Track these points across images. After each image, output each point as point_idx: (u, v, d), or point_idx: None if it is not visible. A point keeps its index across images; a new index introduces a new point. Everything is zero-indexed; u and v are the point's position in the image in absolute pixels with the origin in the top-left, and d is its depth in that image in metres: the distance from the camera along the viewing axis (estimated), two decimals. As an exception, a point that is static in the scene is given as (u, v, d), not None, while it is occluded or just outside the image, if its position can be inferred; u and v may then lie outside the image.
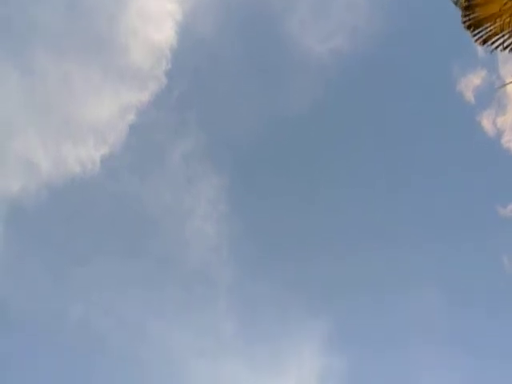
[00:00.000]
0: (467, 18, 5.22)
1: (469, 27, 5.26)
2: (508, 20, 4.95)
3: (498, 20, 5.02)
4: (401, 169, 16.61)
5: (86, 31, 14.98)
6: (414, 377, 14.36)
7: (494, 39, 5.25)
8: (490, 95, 14.31)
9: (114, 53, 15.06)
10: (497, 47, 5.28)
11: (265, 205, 16.74)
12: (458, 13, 5.27)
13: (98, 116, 14.97)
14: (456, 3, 5.22)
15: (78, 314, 13.86)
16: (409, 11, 15.29)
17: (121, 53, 15.05)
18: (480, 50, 5.55)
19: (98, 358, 13.74)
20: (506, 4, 4.88)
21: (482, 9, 5.11)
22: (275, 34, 15.94)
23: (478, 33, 5.27)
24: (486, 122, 14.24)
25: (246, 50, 16.36)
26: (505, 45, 5.21)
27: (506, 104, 14.13)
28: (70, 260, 14.85)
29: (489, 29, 5.21)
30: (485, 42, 5.31)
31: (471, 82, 14.53)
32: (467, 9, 5.17)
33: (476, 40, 5.33)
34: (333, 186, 16.69)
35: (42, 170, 14.46)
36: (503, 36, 5.17)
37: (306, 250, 15.90)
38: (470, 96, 14.79)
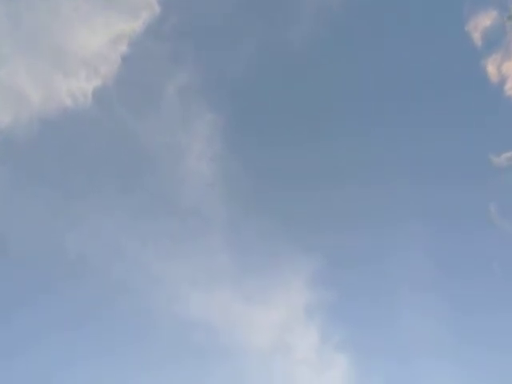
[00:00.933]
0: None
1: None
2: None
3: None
4: (397, 107, 16.44)
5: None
6: (400, 310, 15.34)
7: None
8: (498, 39, 13.81)
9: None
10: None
11: (260, 143, 16.71)
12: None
13: (89, 46, 14.31)
14: None
15: (75, 247, 14.30)
16: None
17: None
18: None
19: (96, 289, 14.43)
20: None
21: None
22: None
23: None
24: (491, 67, 13.88)
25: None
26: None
27: (514, 49, 13.69)
28: (65, 194, 15.00)
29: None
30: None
31: (480, 23, 13.93)
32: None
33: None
34: (330, 125, 16.59)
35: (32, 102, 14.10)
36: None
37: (299, 189, 16.19)
38: (477, 37, 14.26)
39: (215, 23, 15.68)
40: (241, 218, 15.66)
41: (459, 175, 16.03)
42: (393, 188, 15.85)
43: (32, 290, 14.33)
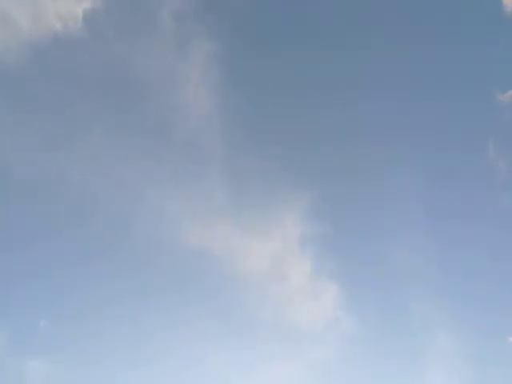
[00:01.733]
0: None
1: None
2: None
3: None
4: (405, 27, 15.77)
5: None
6: (392, 243, 15.90)
7: None
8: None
9: None
10: None
11: (262, 73, 16.16)
12: None
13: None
14: None
15: (75, 180, 14.41)
16: None
17: None
18: None
19: (98, 223, 14.77)
20: None
21: None
22: None
23: None
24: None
25: None
26: None
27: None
28: (61, 125, 14.78)
29: None
30: None
31: None
32: None
33: None
34: (333, 54, 15.97)
35: (21, 28, 13.37)
36: None
37: (297, 127, 15.99)
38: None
39: None
40: (239, 153, 15.64)
41: (462, 108, 15.77)
42: (390, 118, 15.61)
43: (33, 222, 14.68)
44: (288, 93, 16.22)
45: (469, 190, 15.37)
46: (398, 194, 15.48)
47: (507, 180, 14.60)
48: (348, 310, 16.52)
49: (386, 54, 15.75)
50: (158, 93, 15.41)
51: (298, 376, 15.97)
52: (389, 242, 15.54)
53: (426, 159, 15.94)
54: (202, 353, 15.76)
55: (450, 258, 15.48)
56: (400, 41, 15.83)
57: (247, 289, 15.92)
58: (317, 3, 15.91)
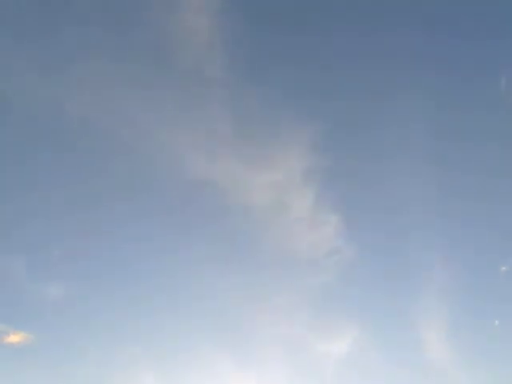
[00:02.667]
0: None
1: None
2: None
3: None
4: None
5: None
6: (392, 177, 16.01)
7: None
8: None
9: None
10: None
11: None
12: None
13: None
14: None
15: (76, 111, 14.19)
16: None
17: None
18: None
19: (100, 153, 14.75)
20: None
21: None
22: None
23: None
24: None
25: None
26: None
27: None
28: (60, 53, 14.26)
29: None
30: None
31: None
32: None
33: None
34: None
35: None
36: None
37: (302, 54, 15.40)
38: None
39: None
40: (242, 82, 15.21)
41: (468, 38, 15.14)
42: (393, 43, 14.97)
43: (33, 153, 14.68)
44: (292, 18, 15.45)
45: (473, 115, 15.19)
46: (401, 122, 15.33)
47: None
48: (348, 239, 17.12)
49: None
50: (159, 19, 14.68)
51: (298, 300, 16.99)
52: (391, 171, 15.65)
53: (430, 86, 15.56)
54: (206, 276, 16.63)
55: (452, 185, 15.68)
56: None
57: (251, 220, 16.36)
58: None
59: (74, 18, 14.46)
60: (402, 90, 15.25)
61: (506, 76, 14.49)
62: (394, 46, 15.30)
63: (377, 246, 16.48)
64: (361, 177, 16.55)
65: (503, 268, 18.00)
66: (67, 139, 14.56)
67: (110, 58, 14.48)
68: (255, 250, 16.50)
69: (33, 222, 14.96)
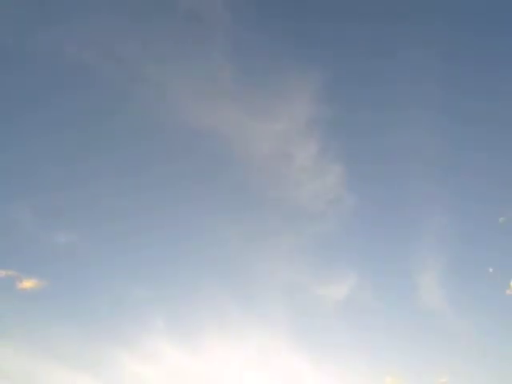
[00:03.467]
0: None
1: None
2: None
3: None
4: None
5: None
6: (395, 127, 15.89)
7: None
8: None
9: None
10: None
11: None
12: None
13: None
14: None
15: (72, 53, 13.89)
16: None
17: None
18: None
19: (98, 98, 14.52)
20: None
21: None
22: None
23: None
24: None
25: None
26: None
27: None
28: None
29: None
30: None
31: None
32: None
33: None
34: None
35: None
36: None
37: (308, 1, 14.88)
38: None
39: None
40: (245, 28, 14.78)
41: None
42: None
43: (35, 98, 14.49)
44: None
45: (482, 71, 14.92)
46: (407, 72, 15.06)
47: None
48: (350, 189, 17.29)
49: None
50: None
51: (300, 247, 17.41)
52: (394, 121, 15.54)
53: (441, 39, 15.17)
54: (210, 224, 16.96)
55: (454, 135, 15.60)
56: None
57: (254, 169, 16.45)
58: None
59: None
60: (407, 41, 14.88)
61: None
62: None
63: (377, 195, 16.66)
64: (364, 127, 16.47)
65: (501, 218, 18.25)
66: (67, 83, 14.33)
67: (109, 2, 14.06)
68: (258, 198, 16.73)
69: (40, 170, 15.05)
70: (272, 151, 16.52)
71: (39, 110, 14.71)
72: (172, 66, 14.93)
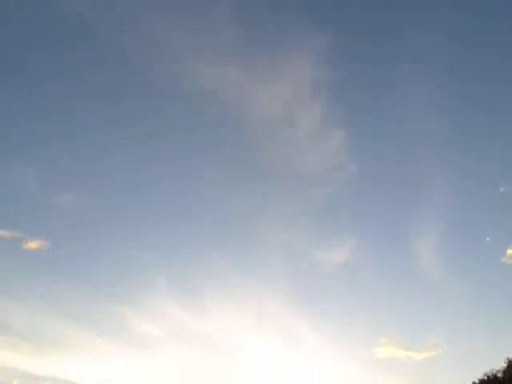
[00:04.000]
0: None
1: None
2: None
3: None
4: None
5: None
6: (402, 98, 15.69)
7: None
8: None
9: None
10: None
11: None
12: None
13: None
14: None
15: (75, 12, 13.63)
16: None
17: None
18: None
19: (97, 56, 14.36)
20: None
21: None
22: None
23: None
24: None
25: None
26: None
27: None
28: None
29: None
30: None
31: None
32: None
33: None
34: None
35: None
36: None
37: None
38: None
39: None
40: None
41: None
42: None
43: (36, 55, 14.32)
44: None
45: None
46: (415, 33, 14.68)
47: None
48: (352, 155, 17.31)
49: None
50: None
51: (300, 211, 17.58)
52: (400, 83, 15.30)
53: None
54: (211, 185, 17.14)
55: (460, 98, 15.34)
56: None
57: (258, 133, 16.40)
58: None
59: None
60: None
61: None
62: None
63: (380, 162, 16.72)
64: (371, 96, 16.24)
65: (501, 189, 18.21)
66: (66, 41, 14.14)
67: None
68: (260, 162, 16.78)
69: (41, 132, 15.10)
70: (275, 116, 16.43)
71: (40, 67, 14.57)
72: (172, 24, 14.65)
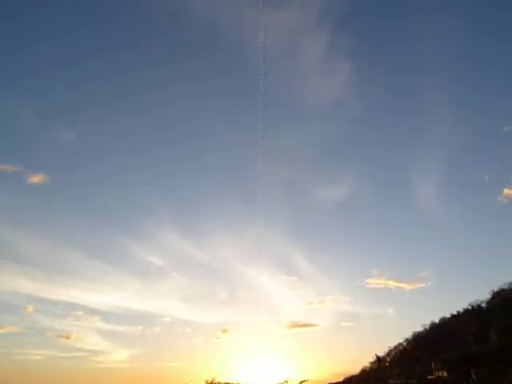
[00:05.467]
0: None
1: None
2: None
3: None
4: None
5: None
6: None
7: None
8: None
9: None
10: None
11: None
12: None
13: None
14: None
15: None
16: None
17: None
18: None
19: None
20: None
21: None
22: None
23: None
24: None
25: None
26: None
27: None
28: None
29: None
30: None
31: None
32: None
33: None
34: None
35: None
36: None
37: None
38: None
39: None
40: None
41: None
42: None
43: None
44: None
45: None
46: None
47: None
48: (358, 90, 19.30)
49: None
50: None
51: (302, 145, 19.63)
52: (413, 26, 17.22)
53: None
54: (211, 111, 19.04)
55: (471, 50, 17.25)
56: None
57: (259, 64, 18.58)
58: None
59: None
60: None
61: None
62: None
63: (385, 99, 18.76)
64: (381, 27, 18.14)
65: (506, 128, 20.55)
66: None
67: None
68: (261, 90, 19.07)
69: (39, 66, 16.83)
70: (279, 46, 18.55)
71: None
72: None
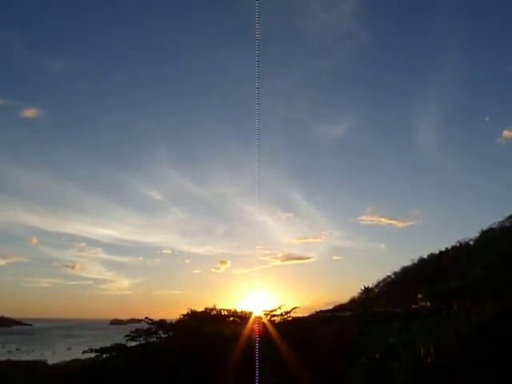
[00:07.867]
0: None
1: None
2: None
3: None
4: None
5: None
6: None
7: None
8: None
9: None
10: None
11: None
12: None
13: None
14: None
15: None
16: None
17: None
18: None
19: None
20: None
21: None
22: None
23: None
24: None
25: None
26: None
27: None
28: None
29: None
30: None
31: None
32: None
33: None
34: None
35: None
36: None
37: None
38: None
39: None
40: None
41: None
42: None
43: None
44: None
45: None
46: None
47: None
48: (364, 22, 18.30)
49: None
50: None
51: (303, 82, 19.05)
52: None
53: None
54: (212, 54, 18.09)
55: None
56: None
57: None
58: None
59: None
60: None
61: None
62: None
63: (389, 33, 17.67)
64: None
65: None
66: None
67: None
68: (262, 28, 18.43)
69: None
70: None
71: None
72: None
